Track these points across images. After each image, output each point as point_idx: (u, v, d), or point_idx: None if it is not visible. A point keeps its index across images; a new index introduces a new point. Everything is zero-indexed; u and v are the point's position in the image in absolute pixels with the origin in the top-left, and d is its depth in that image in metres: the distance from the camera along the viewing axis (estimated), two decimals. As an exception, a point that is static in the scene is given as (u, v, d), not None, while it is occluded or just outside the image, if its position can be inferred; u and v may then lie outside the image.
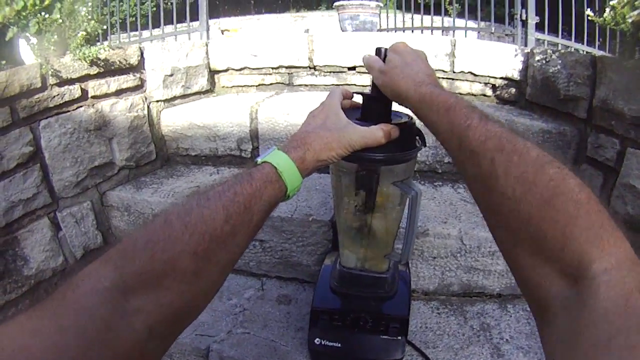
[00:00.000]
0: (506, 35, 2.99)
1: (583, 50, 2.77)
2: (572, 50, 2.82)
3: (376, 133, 0.76)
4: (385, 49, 0.80)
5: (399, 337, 1.06)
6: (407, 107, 0.72)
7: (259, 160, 0.67)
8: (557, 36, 2.89)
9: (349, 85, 2.17)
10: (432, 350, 1.18)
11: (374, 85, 0.81)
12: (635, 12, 1.33)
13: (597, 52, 2.59)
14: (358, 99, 0.88)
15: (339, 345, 1.07)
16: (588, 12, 1.74)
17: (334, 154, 0.73)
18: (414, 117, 0.88)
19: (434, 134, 0.66)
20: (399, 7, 4.32)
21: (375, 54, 0.81)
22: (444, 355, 1.16)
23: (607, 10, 1.43)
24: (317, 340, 1.07)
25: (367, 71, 0.82)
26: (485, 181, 0.54)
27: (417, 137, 0.87)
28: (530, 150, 0.51)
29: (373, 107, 0.84)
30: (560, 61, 1.71)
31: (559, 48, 2.77)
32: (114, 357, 0.44)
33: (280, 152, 0.68)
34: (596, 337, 0.37)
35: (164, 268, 0.50)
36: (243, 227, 0.58)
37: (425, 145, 0.89)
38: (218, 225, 0.55)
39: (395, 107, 0.88)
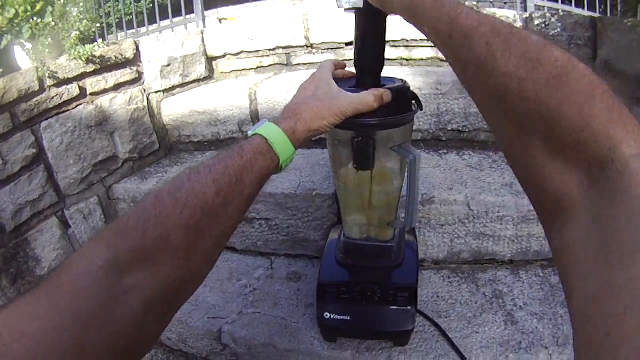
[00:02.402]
0: (505, 3, 2.93)
1: (585, 16, 2.71)
2: (573, 14, 2.76)
3: (367, 98, 0.75)
4: None
5: (409, 307, 1.05)
6: (394, 13, 0.67)
7: (250, 133, 0.66)
8: (557, 2, 2.82)
9: (347, 60, 2.14)
10: (445, 319, 1.18)
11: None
12: (635, -29, 1.30)
13: (598, 16, 2.54)
14: (351, 69, 0.87)
15: (349, 318, 1.06)
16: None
17: (325, 122, 0.72)
18: (408, 82, 0.87)
19: (422, 32, 0.61)
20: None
21: None
22: (456, 325, 1.16)
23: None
24: (326, 315, 1.06)
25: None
26: (482, 63, 0.48)
27: (413, 101, 0.86)
28: (530, 34, 0.46)
29: (364, 25, 0.81)
30: (559, 24, 1.68)
31: (559, 13, 2.71)
32: (112, 336, 0.44)
33: (270, 124, 0.67)
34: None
35: (157, 244, 0.50)
36: (235, 199, 0.58)
37: (421, 109, 0.87)
38: (209, 199, 0.54)
39: (389, 73, 0.87)
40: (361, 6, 0.78)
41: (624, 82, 1.32)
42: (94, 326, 0.42)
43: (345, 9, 0.83)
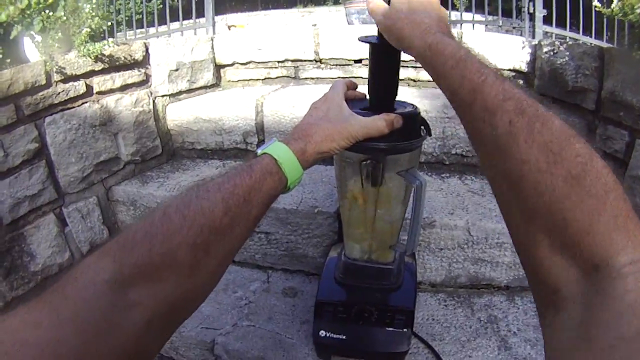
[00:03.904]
0: (514, 28, 2.94)
1: (591, 44, 2.73)
2: (581, 42, 2.78)
3: (378, 123, 0.74)
4: None
5: (405, 329, 1.05)
6: (411, 55, 0.66)
7: (259, 152, 0.66)
8: (565, 29, 2.85)
9: (356, 77, 2.15)
10: (439, 342, 1.18)
11: (379, 33, 0.76)
12: (645, 2, 1.31)
13: (605, 45, 2.56)
14: (362, 89, 0.87)
15: (344, 337, 1.06)
16: (595, 3, 1.70)
17: (335, 145, 0.72)
18: (419, 107, 0.88)
19: (440, 87, 0.60)
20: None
21: None
22: (450, 348, 1.16)
23: (615, 1, 1.40)
24: (322, 333, 1.07)
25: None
26: (501, 145, 0.47)
27: (422, 127, 0.86)
28: (554, 118, 0.45)
29: (379, 57, 0.82)
30: (568, 53, 1.69)
31: (567, 41, 2.73)
32: (113, 350, 0.44)
33: (280, 143, 0.67)
34: (622, 329, 0.33)
35: (163, 260, 0.49)
36: (242, 219, 0.58)
37: (430, 135, 0.88)
38: (217, 218, 0.54)
39: (401, 96, 0.87)
40: (375, 41, 0.79)
41: (629, 113, 1.33)
42: (97, 339, 0.42)
43: (360, 39, 0.83)
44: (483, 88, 0.50)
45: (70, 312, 0.42)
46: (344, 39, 2.14)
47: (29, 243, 1.40)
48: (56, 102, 1.46)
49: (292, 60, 2.23)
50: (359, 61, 2.14)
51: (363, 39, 0.82)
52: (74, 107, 1.53)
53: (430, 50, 0.59)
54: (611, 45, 2.54)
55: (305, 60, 2.22)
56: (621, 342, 0.33)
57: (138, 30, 2.59)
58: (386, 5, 0.72)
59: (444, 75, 0.57)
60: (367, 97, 0.86)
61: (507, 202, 0.49)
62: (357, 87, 0.87)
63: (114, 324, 0.44)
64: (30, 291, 1.38)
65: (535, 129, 0.45)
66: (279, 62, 2.24)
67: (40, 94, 1.41)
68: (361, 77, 2.11)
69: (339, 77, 2.18)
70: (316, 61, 2.22)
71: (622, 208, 0.41)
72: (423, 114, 0.86)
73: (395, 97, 0.85)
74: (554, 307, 0.42)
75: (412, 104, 0.86)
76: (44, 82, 1.41)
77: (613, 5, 1.41)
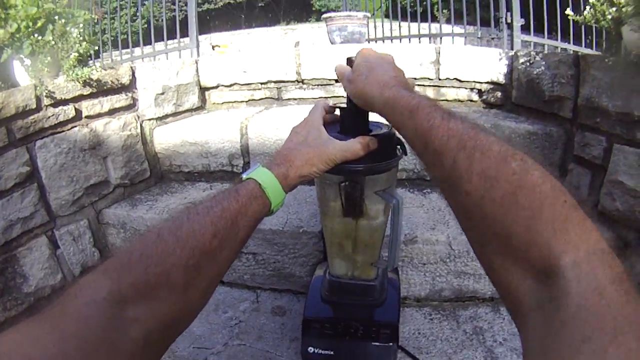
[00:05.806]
0: (492, 38, 2.99)
1: (570, 50, 2.77)
2: (559, 50, 2.83)
3: (354, 146, 0.78)
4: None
5: (390, 344, 1.08)
6: (376, 112, 0.72)
7: (244, 176, 0.70)
8: (544, 37, 2.90)
9: (337, 97, 2.20)
10: (426, 355, 1.20)
11: (347, 96, 0.83)
12: (614, 9, 1.34)
13: (584, 51, 2.60)
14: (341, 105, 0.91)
15: (332, 353, 1.08)
16: (568, 11, 1.74)
17: (315, 169, 0.76)
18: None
19: (402, 137, 0.66)
20: (386, 17, 4.35)
21: (347, 64, 0.83)
22: (437, 360, 1.18)
23: (587, 8, 1.43)
24: (310, 349, 1.09)
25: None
26: (450, 181, 0.52)
27: (398, 147, 0.90)
28: (493, 145, 0.50)
29: (350, 117, 0.87)
30: (543, 62, 1.73)
31: (546, 49, 2.77)
32: None
33: (264, 169, 0.71)
34: (570, 337, 0.35)
35: (158, 280, 0.52)
36: (230, 241, 0.61)
37: (405, 154, 0.90)
38: (207, 240, 0.57)
39: (376, 117, 0.92)
40: (344, 105, 0.86)
41: (605, 119, 1.35)
42: (98, 355, 0.44)
43: (332, 106, 0.89)
44: (430, 133, 0.55)
45: (70, 329, 0.44)
46: (325, 59, 2.18)
47: (22, 265, 1.41)
48: (46, 125, 1.48)
49: (275, 82, 2.26)
50: (339, 81, 2.16)
51: (337, 106, 0.88)
52: (64, 131, 1.55)
53: (388, 104, 0.66)
54: (590, 50, 2.58)
55: (287, 81, 2.26)
56: (569, 350, 0.35)
57: (123, 51, 2.61)
58: (349, 68, 0.79)
59: (402, 125, 0.63)
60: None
61: (467, 231, 0.54)
62: (335, 110, 0.90)
63: (114, 341, 0.46)
64: (23, 312, 1.40)
65: (475, 159, 0.49)
66: (262, 83, 2.27)
67: (31, 117, 1.43)
68: (342, 97, 2.14)
69: (320, 97, 2.23)
70: (298, 82, 2.25)
71: (559, 213, 0.44)
72: (397, 134, 0.90)
73: (367, 121, 0.89)
74: (520, 319, 0.45)
75: (387, 125, 0.89)
76: (34, 106, 1.43)
77: (585, 13, 1.44)
